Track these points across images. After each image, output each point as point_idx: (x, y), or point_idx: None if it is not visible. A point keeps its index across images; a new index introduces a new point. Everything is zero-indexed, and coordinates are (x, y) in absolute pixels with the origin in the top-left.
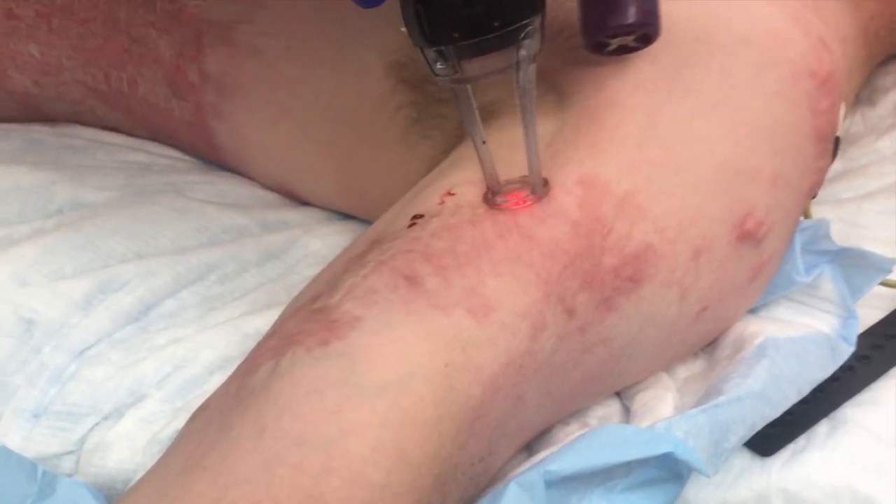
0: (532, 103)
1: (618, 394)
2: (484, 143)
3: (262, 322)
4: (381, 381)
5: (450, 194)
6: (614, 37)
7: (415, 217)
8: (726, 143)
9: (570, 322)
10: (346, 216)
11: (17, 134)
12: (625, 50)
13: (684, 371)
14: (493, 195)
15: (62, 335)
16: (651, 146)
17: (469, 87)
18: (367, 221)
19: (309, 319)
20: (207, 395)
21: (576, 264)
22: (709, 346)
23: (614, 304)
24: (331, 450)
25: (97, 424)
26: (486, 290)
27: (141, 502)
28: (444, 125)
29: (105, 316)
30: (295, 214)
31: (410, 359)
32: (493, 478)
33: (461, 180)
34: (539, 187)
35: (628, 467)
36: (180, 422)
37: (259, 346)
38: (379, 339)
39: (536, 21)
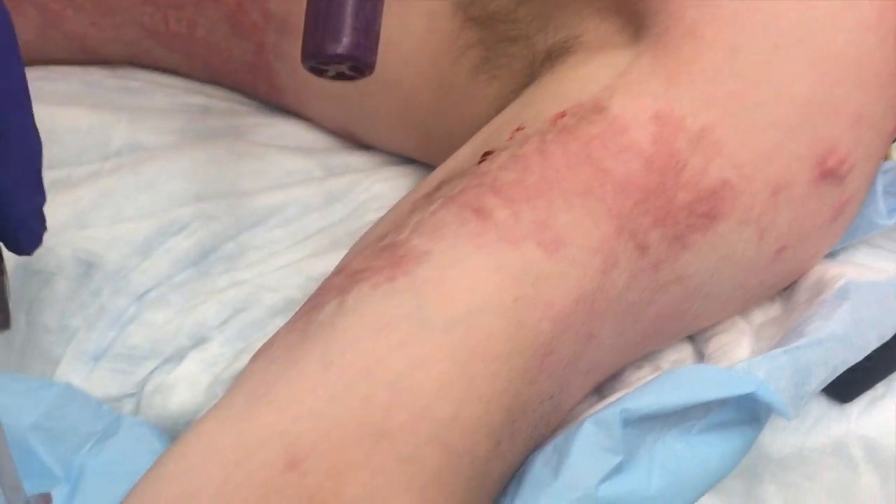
0: None
1: (691, 338)
2: None
3: (325, 265)
4: (449, 315)
5: (520, 129)
6: (326, 63)
7: (484, 154)
8: (808, 79)
9: (643, 259)
10: (409, 160)
11: (74, 76)
12: (344, 77)
13: (760, 315)
14: None
15: (122, 278)
16: (729, 80)
17: None
18: (430, 165)
19: (375, 256)
20: (269, 338)
21: (649, 200)
22: (786, 290)
23: (689, 241)
24: (398, 384)
25: (158, 367)
26: (556, 224)
27: (205, 437)
28: (512, 65)
29: (165, 259)
30: (357, 158)
31: (479, 293)
32: (563, 420)
33: (532, 116)
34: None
35: (706, 408)
36: (242, 363)
37: (324, 284)
38: (447, 274)
39: None
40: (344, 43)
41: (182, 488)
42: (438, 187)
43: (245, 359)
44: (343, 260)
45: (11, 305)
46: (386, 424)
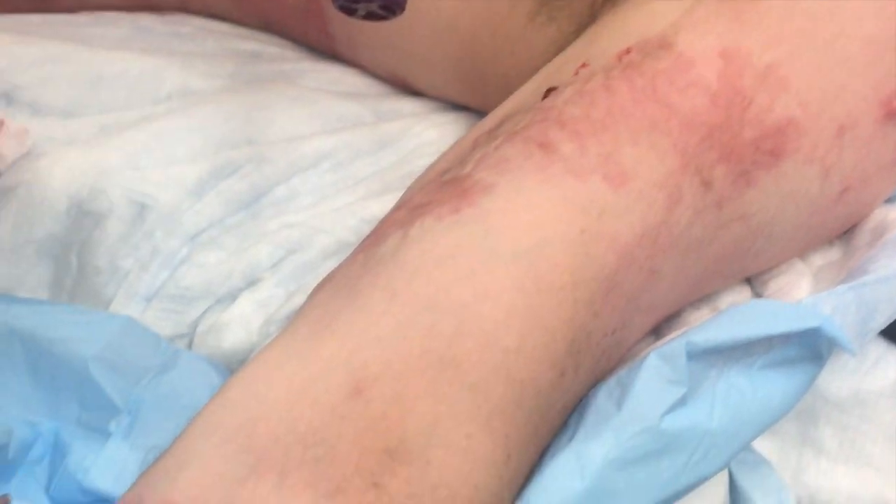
0: None
1: (748, 281)
2: None
3: (378, 207)
4: (515, 246)
5: (584, 66)
6: (357, 2)
7: (548, 91)
8: (875, 18)
9: (708, 195)
10: (461, 106)
11: (124, 22)
12: (374, 17)
13: (819, 259)
14: None
15: (174, 220)
16: (796, 18)
17: None
18: (482, 112)
19: (438, 190)
20: (328, 273)
21: (714, 136)
22: (845, 234)
23: (753, 178)
24: (463, 313)
25: (210, 308)
26: (622, 158)
27: (269, 365)
28: (572, 5)
29: (217, 201)
30: (408, 104)
31: (545, 224)
32: (623, 358)
33: (596, 53)
34: None
35: (768, 344)
36: (296, 303)
37: (385, 219)
38: (513, 205)
39: None
40: None
41: (247, 414)
42: (501, 123)
43: (299, 299)
44: (403, 196)
45: None
46: (451, 353)
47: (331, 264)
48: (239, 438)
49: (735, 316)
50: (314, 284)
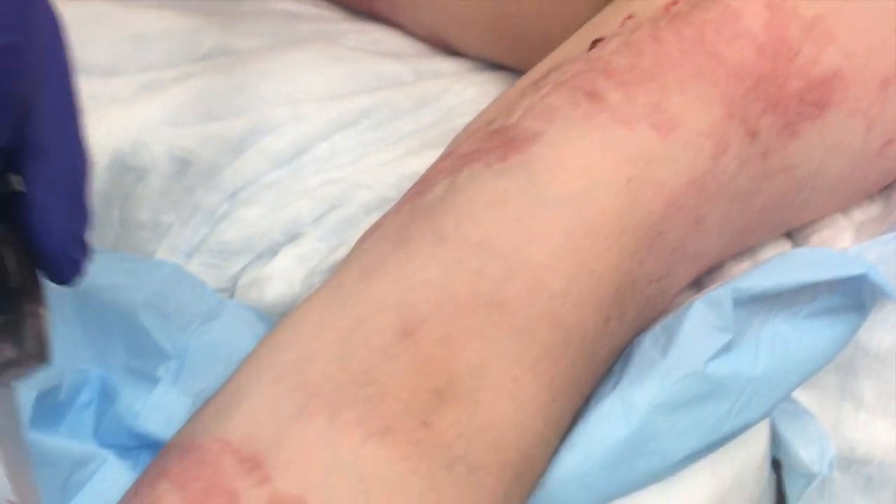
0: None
1: (789, 235)
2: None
3: (420, 164)
4: (563, 192)
5: (630, 17)
6: None
7: (594, 42)
8: None
9: (753, 146)
10: (500, 66)
11: None
12: None
13: (860, 214)
14: None
15: (215, 176)
16: None
17: None
18: (521, 71)
19: (486, 139)
20: (374, 222)
21: (760, 87)
22: (885, 189)
23: (798, 129)
24: (511, 257)
25: (251, 262)
26: (670, 107)
27: (319, 307)
28: None
29: (258, 158)
30: (448, 64)
31: (593, 171)
32: (666, 308)
33: (643, 4)
34: None
35: (813, 293)
36: (338, 257)
37: (431, 168)
38: (560, 152)
39: None
40: None
41: (297, 354)
42: (547, 74)
43: (341, 253)
44: (449, 147)
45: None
46: (499, 296)
47: (372, 219)
48: (290, 378)
49: (781, 263)
50: (356, 239)
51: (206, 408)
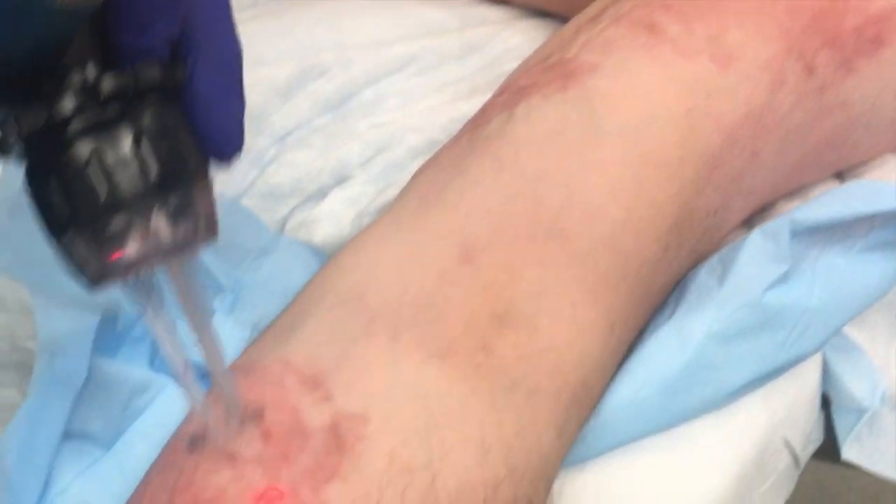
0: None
1: (839, 176)
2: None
3: (469, 107)
4: (623, 122)
5: None
6: None
7: None
8: None
9: (810, 81)
10: (547, 14)
11: None
12: None
13: None
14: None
15: (263, 120)
16: None
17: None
18: (568, 18)
19: (543, 72)
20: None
21: (818, 22)
22: None
23: (854, 65)
24: (572, 185)
25: (300, 205)
26: (728, 40)
27: (378, 235)
28: None
29: (306, 102)
30: (494, 11)
31: (653, 102)
32: (721, 242)
33: None
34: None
35: (868, 226)
36: (387, 198)
37: (488, 103)
38: (620, 83)
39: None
40: None
41: (358, 279)
42: (604, 10)
43: (390, 194)
44: (504, 83)
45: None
46: (559, 224)
47: (421, 163)
48: (351, 301)
49: (838, 195)
50: (404, 181)
51: (266, 333)
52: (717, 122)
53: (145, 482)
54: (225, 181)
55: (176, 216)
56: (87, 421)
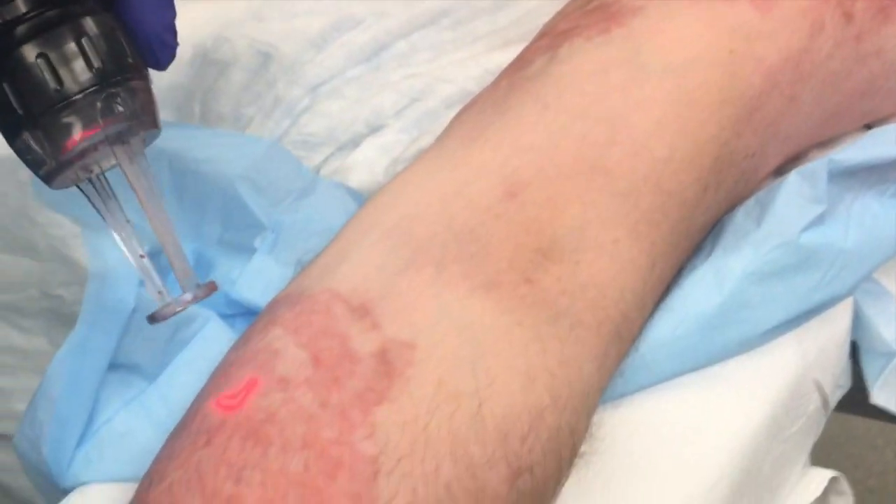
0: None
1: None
2: (142, 257)
3: (503, 58)
4: (666, 62)
5: None
6: None
7: None
8: None
9: (848, 28)
10: None
11: None
12: None
13: None
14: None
15: (297, 70)
16: None
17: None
18: None
19: (584, 16)
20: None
21: None
22: None
23: (891, 13)
24: (616, 123)
25: (333, 154)
26: None
27: (419, 173)
28: None
29: (339, 53)
30: None
31: (696, 44)
32: (755, 189)
33: None
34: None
35: None
36: (421, 146)
37: (527, 48)
38: (663, 25)
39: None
40: None
41: (402, 214)
42: None
43: (425, 142)
44: (543, 28)
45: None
46: (602, 161)
47: (454, 112)
48: (395, 235)
49: (875, 138)
50: (439, 130)
51: (312, 265)
52: (757, 65)
53: (194, 406)
54: (258, 130)
55: (117, 107)
56: (132, 352)
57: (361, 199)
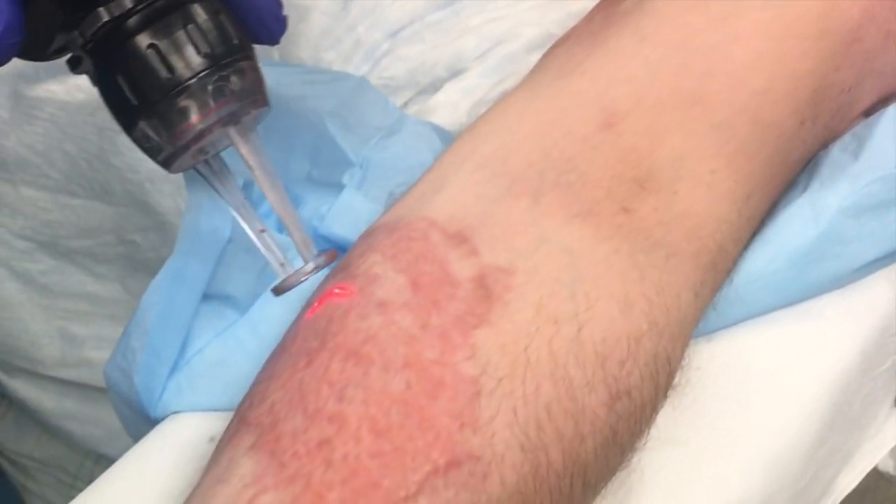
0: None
1: None
2: (262, 231)
3: (588, 2)
4: None
5: None
6: None
7: None
8: None
9: None
10: None
11: None
12: None
13: None
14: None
15: (377, 14)
16: None
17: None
18: None
19: None
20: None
21: None
22: None
23: None
24: (714, 54)
25: (413, 97)
26: None
27: (516, 104)
28: None
29: None
30: None
31: None
32: (849, 124)
33: None
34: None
35: None
36: (504, 88)
37: None
38: None
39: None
40: None
41: (498, 144)
42: None
43: (507, 84)
44: None
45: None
46: (700, 92)
47: (537, 55)
48: (492, 165)
49: None
50: (523, 73)
51: (408, 195)
52: None
53: (293, 331)
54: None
55: (228, 88)
56: (225, 283)
57: (450, 137)
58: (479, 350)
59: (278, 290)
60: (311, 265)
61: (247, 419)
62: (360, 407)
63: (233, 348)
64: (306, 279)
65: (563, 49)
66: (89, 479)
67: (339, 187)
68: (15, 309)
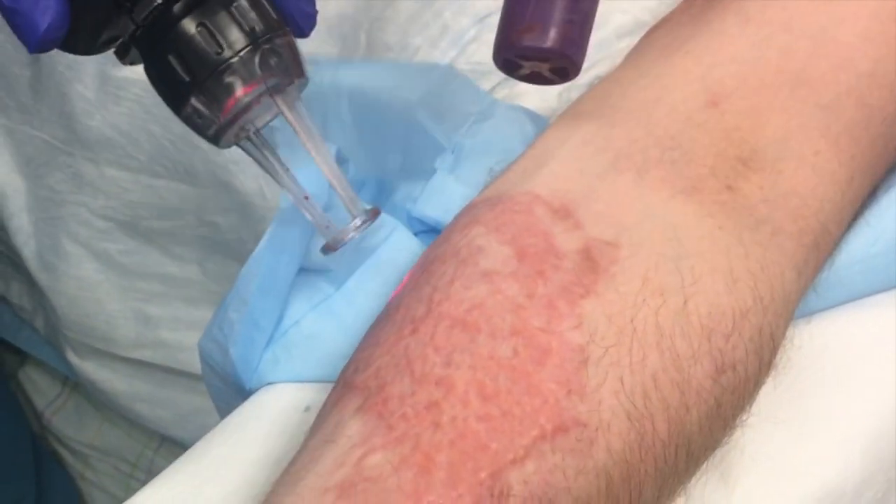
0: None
1: None
2: (306, 198)
3: None
4: None
5: None
6: (525, 59)
7: None
8: None
9: None
10: None
11: None
12: (539, 80)
13: None
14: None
15: (464, 0)
16: None
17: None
18: None
19: None
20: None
21: None
22: None
23: None
24: (819, 36)
25: (501, 81)
26: None
27: (620, 82)
28: None
29: None
30: None
31: None
32: None
33: None
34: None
35: None
36: (596, 73)
37: None
38: None
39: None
40: (551, 37)
41: (602, 121)
42: None
43: (601, 69)
44: None
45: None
46: (806, 73)
47: (625, 43)
48: (596, 141)
49: None
50: (614, 57)
51: (509, 170)
52: None
53: (396, 300)
54: (425, 59)
55: (271, 62)
56: (320, 257)
57: (543, 121)
58: (586, 319)
59: (326, 249)
60: (357, 221)
61: (352, 383)
62: (468, 372)
63: (328, 321)
64: (355, 235)
65: (665, 30)
66: (148, 470)
67: (431, 173)
68: (93, 289)
